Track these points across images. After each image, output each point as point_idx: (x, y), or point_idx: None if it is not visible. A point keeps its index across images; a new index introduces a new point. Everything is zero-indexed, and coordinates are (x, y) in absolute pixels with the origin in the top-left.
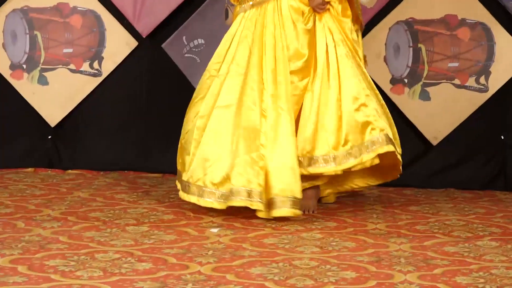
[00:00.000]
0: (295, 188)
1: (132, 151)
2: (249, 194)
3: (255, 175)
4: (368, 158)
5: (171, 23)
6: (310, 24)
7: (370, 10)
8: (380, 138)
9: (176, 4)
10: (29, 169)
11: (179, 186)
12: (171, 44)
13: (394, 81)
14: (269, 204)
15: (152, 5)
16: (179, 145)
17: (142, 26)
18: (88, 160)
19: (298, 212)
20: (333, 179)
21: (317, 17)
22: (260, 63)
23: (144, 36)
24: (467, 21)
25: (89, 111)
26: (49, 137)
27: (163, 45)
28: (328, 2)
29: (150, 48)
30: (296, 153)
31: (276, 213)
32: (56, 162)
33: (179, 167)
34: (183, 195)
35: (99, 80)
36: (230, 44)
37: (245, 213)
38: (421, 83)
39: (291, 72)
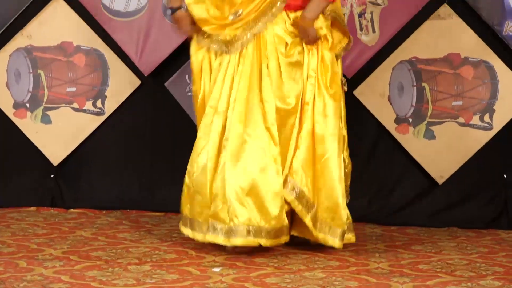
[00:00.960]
0: None
1: (134, 189)
2: None
3: None
4: None
5: (174, 62)
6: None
7: (372, 48)
8: None
9: (178, 43)
10: (32, 208)
11: (197, 235)
12: (173, 82)
13: (398, 120)
14: None
15: (154, 43)
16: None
17: (144, 64)
18: (90, 199)
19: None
20: None
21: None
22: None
23: (146, 75)
24: (470, 59)
25: (92, 150)
26: (52, 175)
27: (165, 84)
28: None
29: (153, 87)
30: None
31: None
32: (59, 200)
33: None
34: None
35: (102, 118)
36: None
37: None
38: (425, 122)
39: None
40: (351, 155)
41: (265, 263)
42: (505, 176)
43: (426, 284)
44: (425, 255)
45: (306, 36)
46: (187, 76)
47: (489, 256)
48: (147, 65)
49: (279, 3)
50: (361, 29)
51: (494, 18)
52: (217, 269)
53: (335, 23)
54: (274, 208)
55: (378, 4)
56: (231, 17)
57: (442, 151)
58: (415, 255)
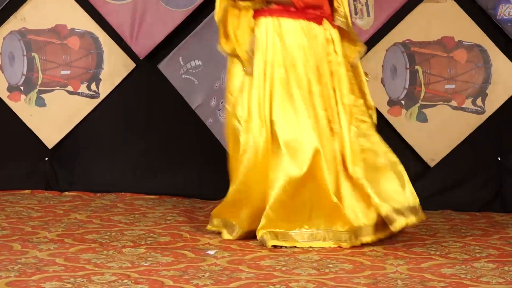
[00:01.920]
0: None
1: (129, 172)
2: None
3: None
4: None
5: (168, 44)
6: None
7: (366, 31)
8: None
9: (173, 26)
10: (26, 191)
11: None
12: (167, 65)
13: (391, 103)
14: None
15: (149, 26)
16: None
17: (139, 47)
18: (85, 182)
19: None
20: None
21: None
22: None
23: (141, 58)
24: (463, 43)
25: (87, 133)
26: (46, 158)
27: (159, 66)
28: None
29: (148, 70)
30: None
31: None
32: (53, 183)
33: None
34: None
35: (96, 101)
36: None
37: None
38: (418, 104)
39: None
40: None
41: (259, 246)
42: (499, 159)
43: (420, 266)
44: (419, 237)
45: None
46: (181, 59)
47: (483, 239)
48: (142, 48)
49: None
50: (356, 13)
51: (489, 1)
52: (211, 252)
53: (343, 33)
54: None
55: None
56: None
57: (434, 134)
58: (409, 237)
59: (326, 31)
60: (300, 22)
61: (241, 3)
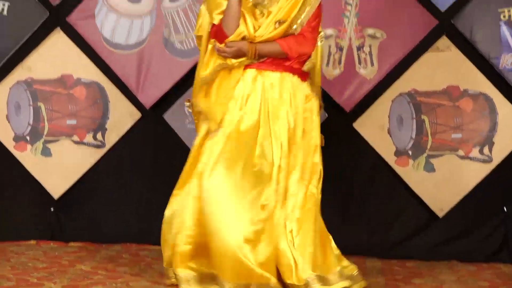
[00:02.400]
0: None
1: (134, 223)
2: None
3: None
4: None
5: (174, 94)
6: None
7: (370, 81)
8: None
9: (179, 76)
10: (31, 242)
11: None
12: (173, 114)
13: (398, 153)
14: None
15: (155, 76)
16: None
17: (145, 97)
18: (90, 232)
19: None
20: None
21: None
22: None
23: (147, 107)
24: (469, 92)
25: (92, 183)
26: (52, 209)
27: (164, 116)
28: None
29: (154, 119)
30: None
31: None
32: (59, 234)
33: None
34: None
35: (102, 151)
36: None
37: None
38: (425, 154)
39: None
40: (352, 188)
41: None
42: (505, 209)
43: None
44: None
45: (235, 45)
46: (186, 108)
47: None
48: (149, 98)
49: None
50: (359, 62)
51: (491, 51)
52: None
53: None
54: None
55: (377, 37)
56: None
57: (442, 184)
58: None
59: (307, 88)
60: (285, 75)
61: (234, 61)
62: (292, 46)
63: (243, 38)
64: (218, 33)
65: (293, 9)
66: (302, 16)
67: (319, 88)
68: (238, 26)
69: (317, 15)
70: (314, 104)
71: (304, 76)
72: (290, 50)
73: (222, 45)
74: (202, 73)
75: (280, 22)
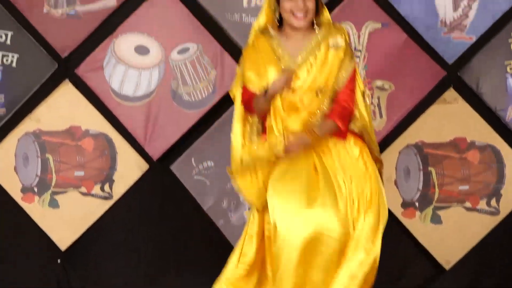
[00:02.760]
0: None
1: (142, 274)
2: None
3: None
4: None
5: (181, 145)
6: None
7: (379, 133)
8: None
9: (187, 127)
10: None
11: None
12: (180, 166)
13: (405, 205)
14: None
15: (163, 128)
16: None
17: (153, 149)
18: (98, 284)
19: None
20: None
21: None
22: None
23: (155, 159)
24: (476, 143)
25: (100, 234)
26: (59, 260)
27: (171, 167)
28: None
29: (161, 171)
30: None
31: None
32: (65, 285)
33: None
34: None
35: (110, 203)
36: None
37: None
38: (432, 206)
39: None
40: None
41: None
42: None
43: None
44: None
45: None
46: (193, 159)
47: None
48: (156, 150)
49: None
50: None
51: (498, 103)
52: None
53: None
54: None
55: (385, 89)
56: None
57: (449, 236)
58: None
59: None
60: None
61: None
62: (343, 119)
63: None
64: (247, 103)
65: (331, 77)
66: (340, 83)
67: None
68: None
69: (353, 78)
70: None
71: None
72: (343, 125)
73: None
74: (244, 156)
75: (322, 91)
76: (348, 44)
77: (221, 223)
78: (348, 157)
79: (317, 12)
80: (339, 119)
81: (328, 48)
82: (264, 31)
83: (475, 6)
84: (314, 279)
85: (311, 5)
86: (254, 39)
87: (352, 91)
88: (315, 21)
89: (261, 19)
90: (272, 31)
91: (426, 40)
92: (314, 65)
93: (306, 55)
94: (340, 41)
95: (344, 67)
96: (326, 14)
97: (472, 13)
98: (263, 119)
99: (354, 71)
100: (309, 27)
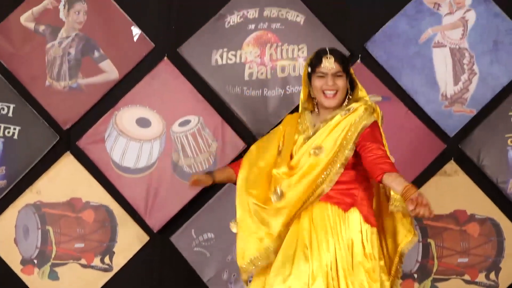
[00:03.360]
0: None
1: None
2: None
3: None
4: None
5: (181, 217)
6: None
7: None
8: None
9: (188, 199)
10: None
11: None
12: (180, 237)
13: (403, 276)
14: None
15: (163, 200)
16: None
17: (153, 221)
18: None
19: None
20: None
21: None
22: None
23: (155, 231)
24: (476, 216)
25: None
26: None
27: (171, 238)
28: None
29: (161, 242)
30: None
31: None
32: None
33: None
34: None
35: (110, 275)
36: None
37: None
38: (431, 278)
39: None
40: None
41: None
42: None
43: None
44: None
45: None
46: (193, 231)
47: None
48: (157, 221)
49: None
50: None
51: (499, 175)
52: None
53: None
54: None
55: None
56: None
57: None
58: None
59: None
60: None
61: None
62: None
63: None
64: None
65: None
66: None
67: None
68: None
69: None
70: None
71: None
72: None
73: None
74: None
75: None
76: (368, 108)
77: None
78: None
79: (353, 90)
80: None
81: (341, 116)
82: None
83: (475, 80)
84: None
85: (341, 83)
86: (286, 120)
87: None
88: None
89: (301, 95)
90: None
91: (427, 113)
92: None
93: (324, 122)
94: (355, 105)
95: (355, 125)
96: (361, 93)
97: (472, 87)
98: None
99: (376, 127)
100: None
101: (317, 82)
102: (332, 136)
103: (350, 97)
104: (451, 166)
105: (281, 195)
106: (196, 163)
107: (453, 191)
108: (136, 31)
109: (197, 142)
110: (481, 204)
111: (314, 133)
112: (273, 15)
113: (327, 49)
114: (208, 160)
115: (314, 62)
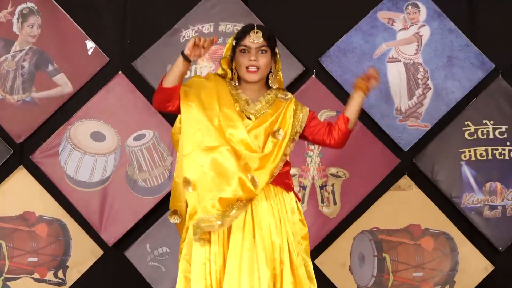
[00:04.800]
0: None
1: None
2: None
3: None
4: None
5: (135, 231)
6: None
7: (333, 220)
8: None
9: (142, 214)
10: None
11: None
12: (134, 252)
13: None
14: None
15: (118, 214)
16: None
17: (108, 235)
18: None
19: None
20: None
21: None
22: None
23: (110, 245)
24: (430, 230)
25: None
26: None
27: (126, 253)
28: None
29: (115, 257)
30: None
31: None
32: None
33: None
34: None
35: None
36: None
37: None
38: None
39: None
40: None
41: None
42: None
43: None
44: None
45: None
46: (147, 245)
47: None
48: (111, 236)
49: None
50: (322, 201)
51: (453, 190)
52: None
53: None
54: None
55: (339, 177)
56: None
57: None
58: None
59: (292, 200)
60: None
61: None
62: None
63: None
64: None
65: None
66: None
67: None
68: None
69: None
70: None
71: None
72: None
73: None
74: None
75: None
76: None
77: None
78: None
79: (271, 73)
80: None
81: (279, 100)
82: (221, 75)
83: (429, 94)
84: None
85: (264, 59)
86: (210, 76)
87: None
88: (269, 82)
89: (219, 71)
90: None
91: (381, 127)
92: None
93: (263, 105)
94: (290, 95)
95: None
96: (279, 77)
97: (427, 102)
98: None
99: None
100: (263, 84)
101: (240, 57)
102: (285, 120)
103: (273, 75)
104: (405, 181)
105: (254, 184)
106: (151, 177)
107: (407, 205)
108: (90, 45)
109: (152, 157)
110: (435, 219)
111: (257, 114)
112: (228, 30)
113: (255, 25)
114: (163, 174)
115: (240, 35)
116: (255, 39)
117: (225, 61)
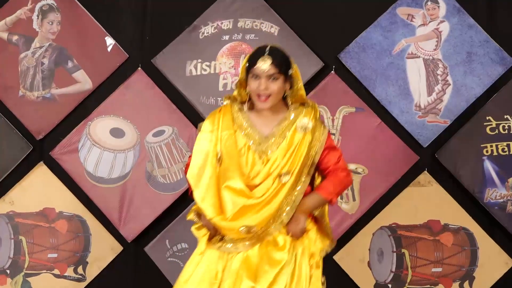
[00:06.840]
0: None
1: None
2: None
3: None
4: None
5: (155, 227)
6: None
7: (352, 215)
8: None
9: (161, 210)
10: None
11: None
12: (154, 248)
13: (378, 286)
14: None
15: (137, 210)
16: None
17: (127, 231)
18: None
19: None
20: None
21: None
22: None
23: (129, 241)
24: (449, 226)
25: None
26: None
27: (145, 249)
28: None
29: (134, 253)
30: None
31: None
32: None
33: None
34: None
35: (83, 285)
36: None
37: None
38: None
39: None
40: None
41: None
42: None
43: None
44: None
45: (296, 225)
46: (167, 241)
47: None
48: (130, 232)
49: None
50: (341, 197)
51: (476, 185)
52: None
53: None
54: None
55: (359, 173)
56: (242, 229)
57: None
58: None
59: None
60: None
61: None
62: (331, 190)
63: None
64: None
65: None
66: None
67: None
68: None
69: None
70: None
71: None
72: (331, 195)
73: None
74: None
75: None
76: (317, 120)
77: None
78: None
79: (291, 88)
80: (327, 191)
81: (295, 131)
82: (234, 99)
83: (449, 90)
84: None
85: (275, 87)
86: (222, 107)
87: (340, 158)
88: (289, 99)
89: (235, 93)
90: (241, 105)
91: (400, 123)
92: (281, 147)
93: (277, 136)
94: (309, 123)
95: (313, 148)
96: (301, 91)
97: (446, 98)
98: None
99: (329, 139)
100: (279, 105)
101: (252, 83)
102: (296, 155)
103: (287, 95)
104: (425, 176)
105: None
106: (170, 173)
107: (426, 201)
108: (110, 41)
109: (171, 153)
110: (454, 214)
111: (272, 143)
112: (247, 26)
113: (266, 49)
114: (182, 170)
115: (251, 61)
116: (264, 67)
117: (239, 84)
